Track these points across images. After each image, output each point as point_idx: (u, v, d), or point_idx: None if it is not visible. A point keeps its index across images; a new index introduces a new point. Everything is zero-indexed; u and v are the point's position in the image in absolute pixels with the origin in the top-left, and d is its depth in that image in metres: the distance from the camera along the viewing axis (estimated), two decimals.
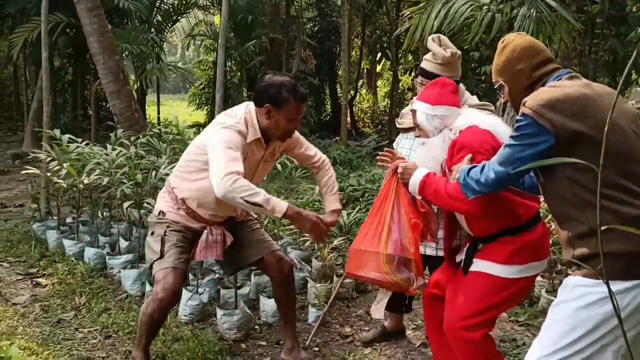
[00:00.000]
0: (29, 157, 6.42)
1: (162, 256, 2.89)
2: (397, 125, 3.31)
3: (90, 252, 4.57)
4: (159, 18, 11.88)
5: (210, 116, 14.18)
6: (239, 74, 14.68)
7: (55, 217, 5.21)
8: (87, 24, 7.32)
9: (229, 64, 14.40)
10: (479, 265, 2.49)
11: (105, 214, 5.01)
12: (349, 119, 17.41)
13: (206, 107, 15.06)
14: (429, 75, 2.92)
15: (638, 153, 1.89)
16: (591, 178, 1.84)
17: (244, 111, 2.86)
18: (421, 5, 6.50)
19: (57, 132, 5.23)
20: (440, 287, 2.73)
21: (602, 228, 1.09)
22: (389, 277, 2.60)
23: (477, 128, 2.43)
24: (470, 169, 2.18)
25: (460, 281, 2.56)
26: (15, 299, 3.90)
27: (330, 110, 16.99)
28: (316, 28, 16.28)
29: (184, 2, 11.88)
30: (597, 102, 1.90)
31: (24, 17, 9.96)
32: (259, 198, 2.59)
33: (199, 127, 14.62)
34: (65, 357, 3.13)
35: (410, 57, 13.99)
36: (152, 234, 3.02)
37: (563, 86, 1.96)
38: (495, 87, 2.23)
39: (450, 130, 2.51)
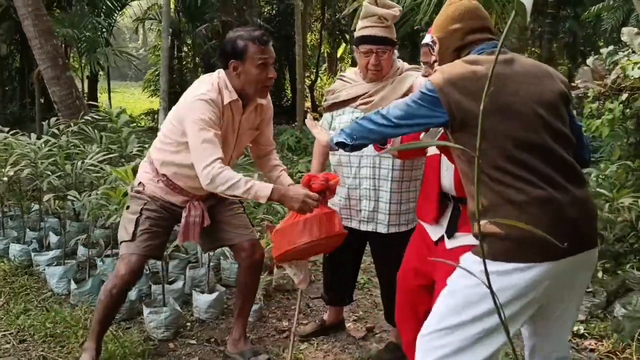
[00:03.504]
0: None
1: (132, 239, 2.80)
2: (331, 101, 2.98)
3: (15, 249, 4.30)
4: (108, 2, 11.41)
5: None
6: (196, 59, 14.34)
7: None
8: (21, 7, 6.92)
9: (184, 49, 14.06)
10: (464, 239, 2.27)
11: (33, 207, 4.72)
12: (310, 103, 17.20)
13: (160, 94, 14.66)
14: (382, 41, 2.72)
15: (533, 139, 1.82)
16: (482, 159, 1.81)
17: (216, 76, 2.71)
18: None
19: None
20: (424, 275, 2.44)
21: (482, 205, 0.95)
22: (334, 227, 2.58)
23: None
24: None
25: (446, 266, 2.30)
26: None
27: (290, 95, 16.73)
28: (274, 12, 15.99)
29: None
30: (506, 83, 1.83)
31: None
32: (239, 191, 2.51)
33: (153, 114, 14.27)
34: None
35: None
36: (128, 208, 2.93)
37: (476, 62, 1.88)
38: (429, 41, 2.14)
39: None
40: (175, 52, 13.88)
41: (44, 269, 4.00)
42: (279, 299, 3.90)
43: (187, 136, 2.63)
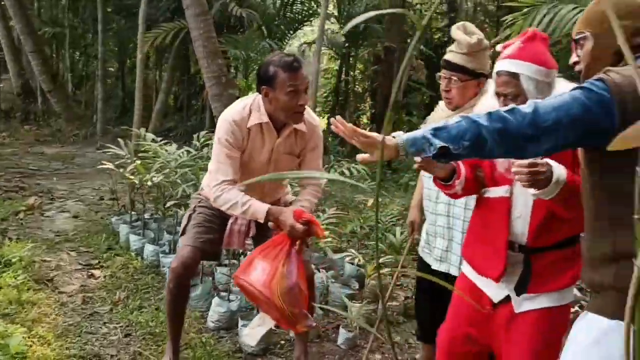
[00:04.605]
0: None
1: (183, 233, 2.97)
2: None
3: (148, 249, 4.65)
4: (282, 27, 12.09)
5: (328, 125, 14.26)
6: (366, 83, 14.62)
7: (133, 212, 5.41)
8: (194, 29, 7.57)
9: (352, 73, 14.40)
10: (540, 300, 1.99)
11: (177, 212, 5.09)
12: None
13: (327, 115, 15.16)
14: (454, 68, 2.57)
15: None
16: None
17: (253, 97, 2.79)
18: (526, 10, 5.93)
19: (142, 130, 5.44)
20: (476, 342, 2.17)
21: None
22: (277, 300, 2.43)
23: None
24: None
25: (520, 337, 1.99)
26: (64, 287, 4.04)
27: None
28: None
29: (305, 11, 12.03)
30: None
31: (152, 24, 10.64)
32: (237, 211, 2.70)
33: None
34: (76, 350, 3.14)
35: None
36: (188, 207, 3.15)
37: None
38: (575, 38, 1.71)
39: None
40: (343, 76, 14.27)
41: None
42: (380, 331, 3.75)
43: None
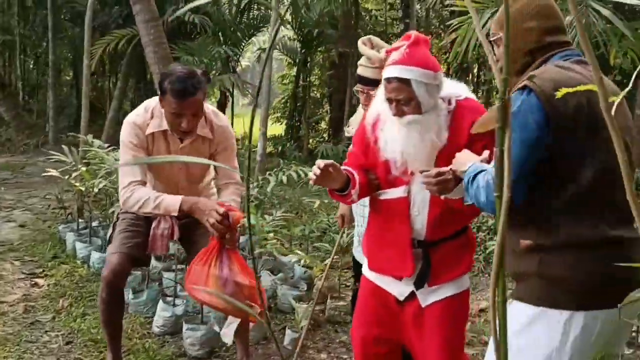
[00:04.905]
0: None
1: (110, 241, 2.93)
2: (346, 134, 2.99)
3: (95, 256, 4.58)
4: (238, 33, 12.07)
5: (288, 129, 14.35)
6: (324, 89, 14.69)
7: (82, 220, 5.32)
8: (145, 35, 7.52)
9: (309, 78, 14.47)
10: (442, 291, 2.07)
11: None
12: None
13: (285, 121, 15.16)
14: (370, 82, 2.64)
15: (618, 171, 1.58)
16: (562, 184, 1.57)
17: (156, 100, 2.74)
18: (471, 14, 6.07)
19: (89, 137, 5.35)
20: (387, 342, 2.22)
21: None
22: (218, 302, 2.49)
23: (476, 102, 2.05)
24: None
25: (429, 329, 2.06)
26: (5, 297, 3.95)
27: None
28: None
29: (260, 18, 12.05)
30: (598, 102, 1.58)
31: (105, 31, 10.51)
32: (149, 207, 2.65)
33: (274, 139, 14.78)
34: (14, 359, 3.08)
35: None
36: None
37: (569, 69, 1.62)
38: (491, 39, 1.79)
39: (443, 100, 2.00)
40: (301, 81, 14.29)
41: None
42: (327, 330, 3.78)
43: None
